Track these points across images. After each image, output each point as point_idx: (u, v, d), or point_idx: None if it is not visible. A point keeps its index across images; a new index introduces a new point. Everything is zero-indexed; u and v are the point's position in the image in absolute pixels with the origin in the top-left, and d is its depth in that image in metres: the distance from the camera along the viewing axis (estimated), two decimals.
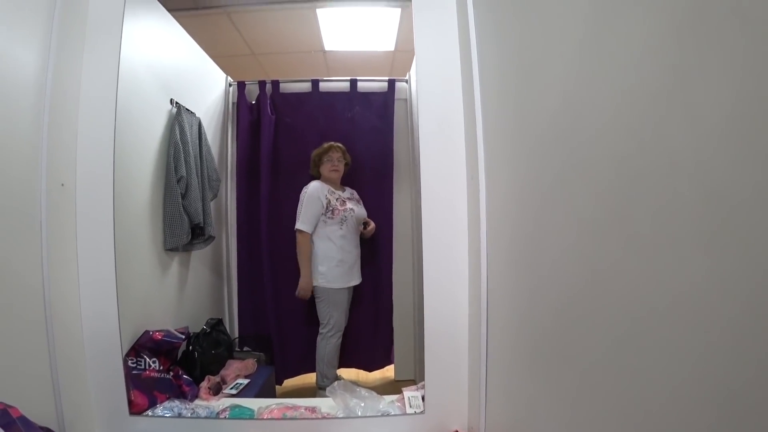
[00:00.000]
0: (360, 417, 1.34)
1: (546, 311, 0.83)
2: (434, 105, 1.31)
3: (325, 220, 2.05)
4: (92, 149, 1.22)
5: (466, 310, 1.28)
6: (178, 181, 1.60)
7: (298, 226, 2.02)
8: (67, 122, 1.19)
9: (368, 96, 2.34)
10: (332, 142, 2.11)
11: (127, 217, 1.40)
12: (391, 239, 2.34)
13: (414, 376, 2.37)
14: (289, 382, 2.18)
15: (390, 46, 2.73)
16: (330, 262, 2.07)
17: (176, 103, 1.70)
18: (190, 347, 1.62)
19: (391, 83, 2.34)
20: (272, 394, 1.96)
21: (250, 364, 1.81)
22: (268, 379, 1.89)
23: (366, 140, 2.30)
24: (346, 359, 2.24)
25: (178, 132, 1.65)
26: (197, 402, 1.45)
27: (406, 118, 2.34)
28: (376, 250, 2.29)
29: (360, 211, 2.15)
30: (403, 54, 2.73)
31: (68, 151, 1.19)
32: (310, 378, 2.15)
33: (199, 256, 1.94)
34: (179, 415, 1.31)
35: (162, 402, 1.34)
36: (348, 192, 2.18)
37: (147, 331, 1.38)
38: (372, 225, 2.15)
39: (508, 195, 1.01)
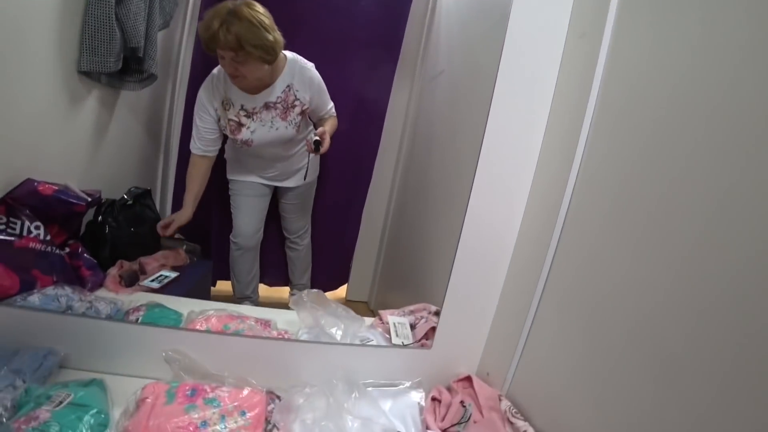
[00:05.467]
0: (342, 344, 1.00)
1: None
2: None
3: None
4: None
5: (514, 236, 0.96)
6: None
7: (190, 145, 1.43)
8: None
9: None
10: (215, 23, 1.18)
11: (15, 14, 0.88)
12: (377, 145, 1.95)
13: (368, 298, 2.13)
14: (224, 286, 1.81)
15: None
16: (234, 149, 1.54)
17: None
18: (100, 218, 1.16)
19: None
20: (207, 297, 1.58)
21: (179, 254, 1.39)
22: (203, 277, 1.51)
23: (372, 13, 1.79)
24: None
25: None
26: (100, 293, 1.04)
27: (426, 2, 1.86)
28: (355, 154, 1.89)
29: (279, 132, 1.43)
30: None
31: None
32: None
33: (130, 101, 1.41)
34: (67, 310, 0.90)
35: (44, 287, 0.91)
36: (269, 93, 1.38)
37: (30, 180, 0.91)
38: (326, 145, 1.41)
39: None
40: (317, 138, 1.39)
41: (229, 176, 1.60)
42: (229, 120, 1.37)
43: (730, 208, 0.53)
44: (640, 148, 0.68)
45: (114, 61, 1.14)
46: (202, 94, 1.38)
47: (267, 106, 1.39)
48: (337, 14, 1.73)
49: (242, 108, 1.37)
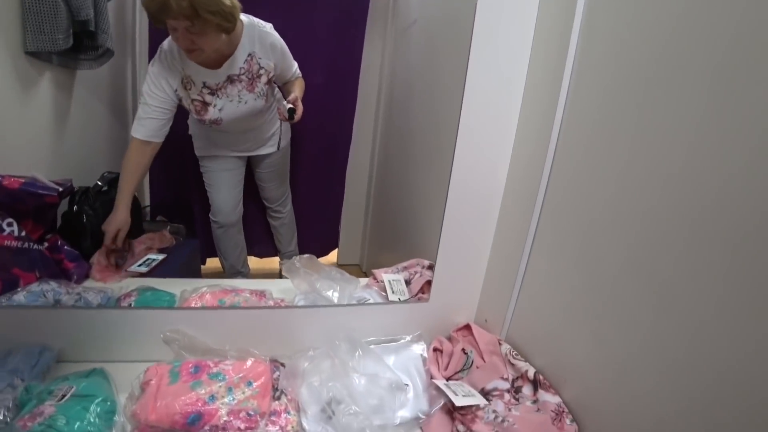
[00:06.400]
0: (340, 306, 1.01)
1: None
2: None
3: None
4: None
5: (502, 182, 0.95)
6: None
7: (132, 129, 1.23)
8: None
9: None
10: None
11: None
12: (354, 104, 1.89)
13: (359, 261, 2.14)
14: (214, 263, 1.79)
15: None
16: (197, 125, 1.44)
17: None
18: (75, 207, 1.12)
19: None
20: (197, 275, 1.57)
21: (165, 235, 1.36)
22: (191, 255, 1.48)
23: None
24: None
25: None
26: (87, 284, 1.01)
27: None
28: (332, 115, 1.84)
29: (248, 105, 1.33)
30: None
31: None
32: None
33: (90, 79, 1.32)
34: (56, 304, 0.87)
35: (28, 284, 0.88)
36: (231, 65, 1.27)
37: None
38: (299, 111, 1.35)
39: None
40: (290, 106, 1.31)
41: (198, 153, 1.51)
42: (193, 100, 1.26)
43: (716, 120, 0.52)
44: (625, 77, 0.67)
45: (63, 38, 1.06)
46: (153, 70, 1.22)
47: (231, 80, 1.28)
48: None
49: (204, 85, 1.26)
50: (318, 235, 2.05)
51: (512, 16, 0.84)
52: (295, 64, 1.47)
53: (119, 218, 1.17)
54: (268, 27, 1.32)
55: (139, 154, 1.22)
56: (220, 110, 1.30)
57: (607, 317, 0.71)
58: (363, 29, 1.79)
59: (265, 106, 1.41)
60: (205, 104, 1.28)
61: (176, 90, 1.25)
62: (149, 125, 1.22)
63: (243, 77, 1.30)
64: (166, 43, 1.25)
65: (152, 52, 1.50)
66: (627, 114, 0.66)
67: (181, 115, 1.46)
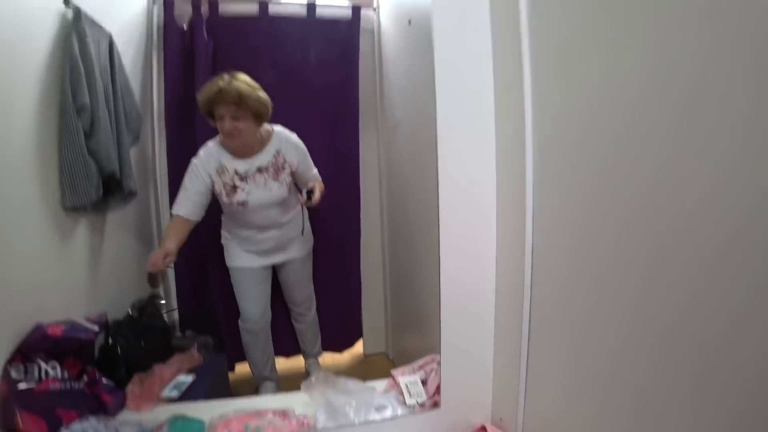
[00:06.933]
0: (356, 425, 1.02)
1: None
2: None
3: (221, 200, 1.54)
4: None
5: (492, 279, 0.99)
6: (79, 111, 1.14)
7: (173, 208, 1.47)
8: None
9: (328, 24, 1.93)
10: (220, 82, 1.37)
11: None
12: (358, 198, 2.02)
13: (385, 349, 2.16)
14: (243, 367, 1.83)
15: None
16: (229, 230, 1.64)
17: (73, 5, 1.20)
18: (110, 340, 1.21)
19: (356, 10, 1.94)
20: (226, 391, 1.61)
21: (193, 355, 1.42)
22: (219, 371, 1.53)
23: (325, 77, 1.91)
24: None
25: (76, 45, 1.16)
26: (124, 416, 1.07)
27: (372, 53, 1.99)
28: (340, 211, 1.96)
29: (273, 193, 1.52)
30: None
31: None
32: None
33: (119, 218, 1.48)
34: None
35: (69, 423, 0.94)
36: (260, 159, 1.51)
37: (39, 325, 0.97)
38: (317, 194, 1.51)
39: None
40: (308, 189, 1.50)
41: (229, 263, 1.65)
42: (224, 183, 1.47)
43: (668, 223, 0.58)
44: (587, 174, 0.74)
45: (95, 191, 1.21)
46: (195, 161, 1.47)
47: (259, 170, 1.51)
48: (296, 87, 1.84)
49: (236, 173, 1.48)
50: (342, 329, 2.08)
51: (473, 127, 0.94)
52: (315, 169, 1.67)
53: (167, 246, 1.36)
54: (294, 134, 1.59)
55: (178, 228, 1.43)
56: (247, 194, 1.50)
57: (605, 410, 0.72)
58: (357, 130, 1.97)
59: (287, 197, 1.58)
60: (235, 187, 1.48)
61: (211, 176, 1.47)
62: (187, 204, 1.44)
63: (270, 168, 1.52)
64: (210, 141, 1.50)
65: (172, 186, 1.68)
66: (598, 207, 0.72)
67: (209, 227, 1.60)
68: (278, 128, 1.57)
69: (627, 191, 0.64)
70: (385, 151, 2.01)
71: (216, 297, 1.83)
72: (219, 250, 1.69)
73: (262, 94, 1.43)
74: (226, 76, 1.39)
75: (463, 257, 0.98)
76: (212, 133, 1.54)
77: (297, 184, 1.63)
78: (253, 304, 1.66)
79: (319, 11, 1.92)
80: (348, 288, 2.06)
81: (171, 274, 1.80)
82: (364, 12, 1.97)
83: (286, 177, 1.54)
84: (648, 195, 0.60)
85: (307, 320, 1.87)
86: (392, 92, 1.89)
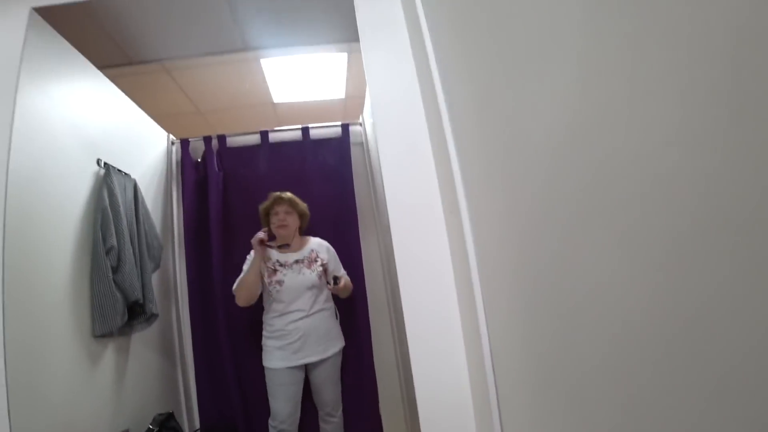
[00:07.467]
0: None
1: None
2: (396, 137, 1.15)
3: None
4: None
5: (466, 374, 1.06)
6: (108, 252, 1.36)
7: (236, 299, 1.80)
8: None
9: (322, 143, 2.22)
10: (277, 193, 1.87)
11: (38, 303, 1.14)
12: (365, 297, 2.13)
13: None
14: None
15: (341, 93, 2.65)
16: (267, 327, 1.82)
17: (104, 163, 1.48)
18: None
19: (345, 127, 2.23)
20: None
21: None
22: None
23: (324, 189, 2.15)
24: None
25: (107, 196, 1.42)
26: None
27: (363, 162, 2.23)
28: (349, 311, 2.06)
29: (305, 277, 1.81)
30: (355, 100, 2.65)
31: None
32: None
33: (142, 338, 1.65)
34: None
35: None
36: (298, 255, 1.85)
37: None
38: (343, 281, 1.81)
39: (504, 223, 0.85)
40: (335, 276, 1.81)
41: (265, 364, 1.78)
42: (268, 268, 1.81)
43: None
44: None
45: (121, 318, 1.39)
46: (249, 258, 1.84)
47: (297, 261, 1.83)
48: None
49: (278, 262, 1.82)
50: (362, 426, 2.05)
51: (424, 250, 1.06)
52: (343, 270, 1.92)
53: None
54: (326, 242, 1.94)
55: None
56: (284, 275, 1.80)
57: None
58: (357, 231, 2.14)
59: (317, 283, 1.81)
60: (275, 271, 1.81)
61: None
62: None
63: (305, 260, 1.83)
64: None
65: (193, 303, 1.85)
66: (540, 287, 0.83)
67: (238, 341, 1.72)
68: (314, 238, 1.94)
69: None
70: (387, 247, 2.15)
71: (237, 408, 1.90)
72: (238, 360, 1.81)
73: (304, 204, 1.91)
74: (277, 191, 1.88)
75: (434, 353, 1.01)
76: (226, 250, 1.75)
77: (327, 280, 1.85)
78: (284, 404, 1.75)
79: (312, 132, 2.22)
80: (365, 392, 2.07)
81: (193, 388, 1.91)
82: (352, 128, 2.25)
83: (317, 267, 1.81)
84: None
85: (334, 420, 1.90)
86: (384, 195, 2.08)
